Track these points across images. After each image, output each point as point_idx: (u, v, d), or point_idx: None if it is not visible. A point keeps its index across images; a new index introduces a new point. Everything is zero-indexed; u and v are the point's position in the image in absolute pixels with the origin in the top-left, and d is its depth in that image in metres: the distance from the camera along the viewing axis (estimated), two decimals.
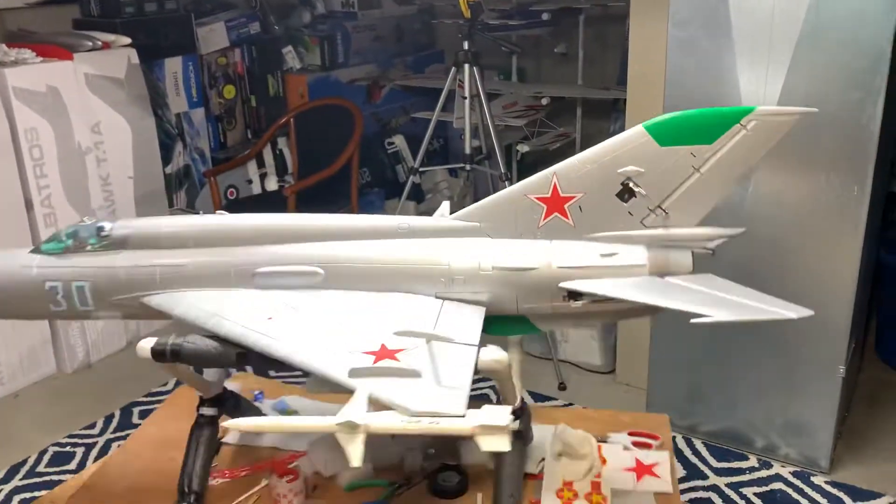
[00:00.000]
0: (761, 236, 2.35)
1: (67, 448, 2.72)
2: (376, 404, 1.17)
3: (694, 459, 2.55)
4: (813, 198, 2.25)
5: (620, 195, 1.41)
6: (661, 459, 1.73)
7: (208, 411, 1.60)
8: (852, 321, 2.31)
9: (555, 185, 1.43)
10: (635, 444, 1.78)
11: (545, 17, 3.95)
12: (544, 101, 4.07)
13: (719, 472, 2.48)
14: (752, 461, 2.53)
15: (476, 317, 1.40)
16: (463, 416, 1.14)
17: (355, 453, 1.12)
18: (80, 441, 2.76)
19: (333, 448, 1.67)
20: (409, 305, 1.43)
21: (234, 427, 1.19)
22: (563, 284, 1.41)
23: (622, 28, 2.78)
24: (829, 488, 2.39)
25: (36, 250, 1.51)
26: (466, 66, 3.08)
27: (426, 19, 4.69)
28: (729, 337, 2.49)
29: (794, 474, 2.46)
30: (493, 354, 1.31)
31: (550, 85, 4.34)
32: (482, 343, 1.33)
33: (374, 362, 1.24)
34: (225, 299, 1.44)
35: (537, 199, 1.44)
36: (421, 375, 1.21)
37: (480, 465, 1.66)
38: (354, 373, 1.22)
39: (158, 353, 1.37)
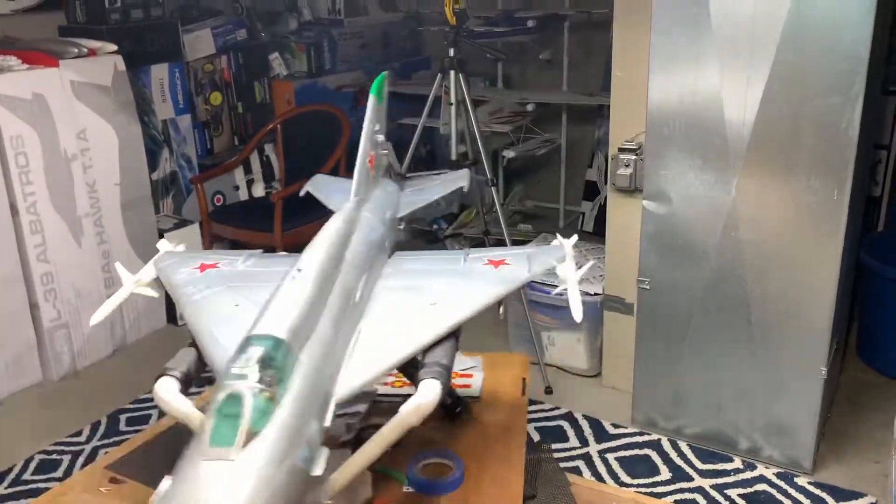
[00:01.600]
0: (742, 240, 2.38)
1: (54, 456, 2.71)
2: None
3: (679, 461, 2.57)
4: (793, 201, 2.28)
5: None
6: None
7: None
8: (833, 323, 2.35)
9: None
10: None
11: (530, 24, 3.98)
12: (530, 108, 4.11)
13: (704, 474, 2.51)
14: (737, 463, 2.55)
15: None
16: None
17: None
18: (66, 449, 2.75)
19: None
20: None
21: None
22: None
23: (606, 35, 2.81)
24: (812, 489, 2.42)
25: None
26: (452, 73, 3.10)
27: (412, 26, 4.72)
28: (712, 340, 2.52)
29: (778, 475, 2.48)
30: None
31: (536, 91, 4.38)
32: None
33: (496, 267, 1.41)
34: None
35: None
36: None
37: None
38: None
39: None
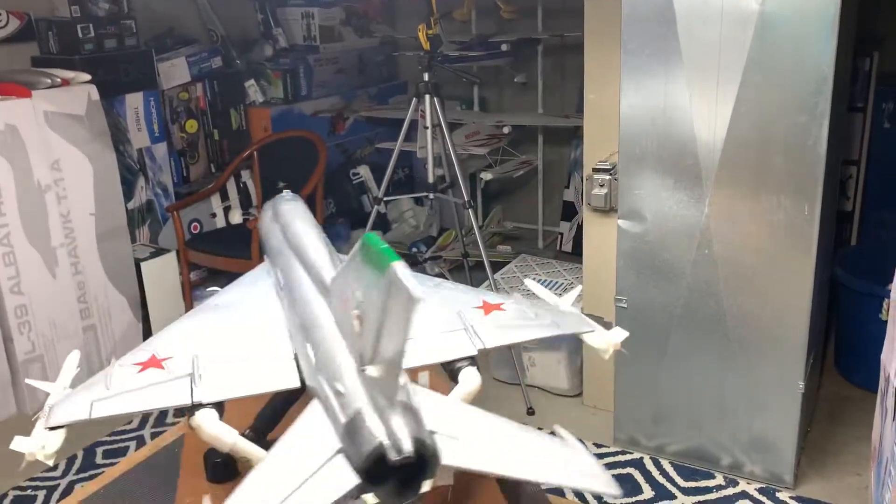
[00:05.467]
0: (716, 257, 2.41)
1: (28, 492, 2.66)
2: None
3: (661, 480, 2.57)
4: (765, 218, 2.31)
5: None
6: None
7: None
8: (809, 338, 2.37)
9: None
10: None
11: (504, 48, 4.03)
12: (506, 130, 4.14)
13: (686, 492, 2.51)
14: (719, 479, 2.56)
15: None
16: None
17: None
18: (41, 484, 2.70)
19: None
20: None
21: None
22: None
23: (579, 58, 2.85)
24: (793, 503, 2.43)
25: None
26: (427, 97, 3.13)
27: (388, 52, 4.75)
28: (691, 357, 2.53)
29: (760, 491, 2.49)
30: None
31: (512, 114, 4.41)
32: None
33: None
34: None
35: None
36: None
37: None
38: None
39: None
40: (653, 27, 2.31)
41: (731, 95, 2.26)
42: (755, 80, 2.22)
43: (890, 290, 1.84)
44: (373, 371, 0.97)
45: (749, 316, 2.42)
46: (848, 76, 2.76)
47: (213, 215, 4.02)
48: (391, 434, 0.94)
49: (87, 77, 3.29)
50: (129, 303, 3.48)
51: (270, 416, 1.47)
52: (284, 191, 1.63)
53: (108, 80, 3.47)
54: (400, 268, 0.83)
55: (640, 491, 2.52)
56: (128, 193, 3.63)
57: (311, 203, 3.66)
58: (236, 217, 4.07)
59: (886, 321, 1.81)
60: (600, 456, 2.70)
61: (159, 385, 1.19)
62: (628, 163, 2.47)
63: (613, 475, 1.12)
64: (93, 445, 2.88)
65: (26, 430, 1.27)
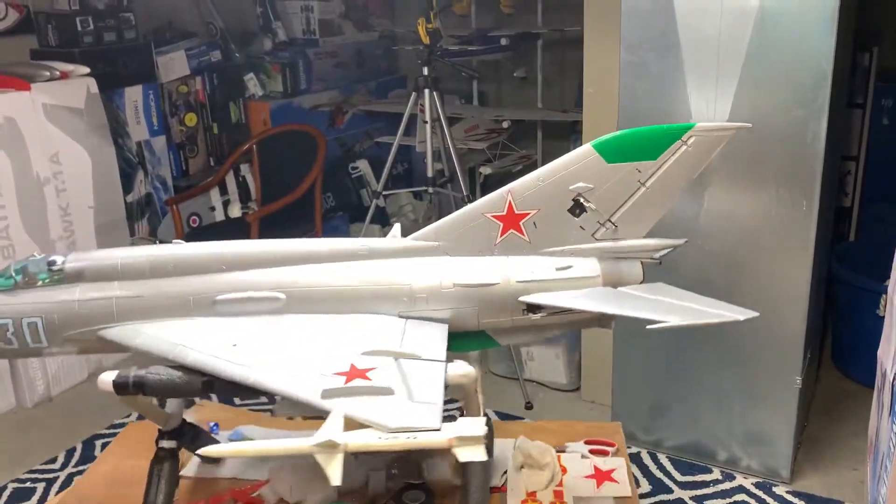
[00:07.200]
0: (715, 252, 2.41)
1: (27, 484, 2.66)
2: (351, 424, 1.18)
3: (659, 474, 2.58)
4: (764, 213, 2.32)
5: (572, 210, 1.47)
6: (618, 465, 1.78)
7: (168, 444, 1.57)
8: (806, 332, 2.38)
9: (510, 203, 1.47)
10: (592, 451, 1.83)
11: (504, 42, 4.02)
12: (505, 124, 4.14)
13: (684, 486, 2.52)
14: (716, 474, 2.57)
15: (440, 334, 1.42)
16: (439, 430, 1.16)
17: (335, 472, 1.12)
18: (40, 476, 2.70)
19: (296, 473, 1.67)
20: (373, 325, 1.44)
21: (209, 454, 1.19)
22: (522, 298, 1.45)
23: (579, 52, 2.84)
24: (790, 497, 2.44)
25: None
26: (427, 91, 3.12)
27: (387, 45, 4.74)
28: (689, 352, 2.54)
29: (757, 485, 2.50)
30: (460, 369, 1.34)
31: (511, 108, 4.41)
32: (447, 359, 1.35)
33: (346, 382, 1.24)
34: (186, 328, 1.42)
35: (493, 216, 1.47)
36: (394, 392, 1.23)
37: (444, 482, 1.68)
38: (327, 394, 1.22)
39: (121, 386, 1.34)
40: (652, 21, 2.31)
41: (730, 90, 2.26)
42: (754, 74, 2.22)
43: (887, 286, 1.85)
44: None
45: None
46: (847, 72, 2.76)
47: (213, 209, 4.02)
48: None
49: (86, 70, 3.29)
50: None
51: None
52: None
53: (107, 73, 3.47)
54: None
55: (637, 485, 2.52)
56: (127, 187, 3.63)
57: (309, 197, 3.66)
58: (235, 211, 4.07)
59: (883, 317, 1.82)
60: None
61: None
62: None
63: None
64: (92, 438, 2.89)
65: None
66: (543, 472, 1.68)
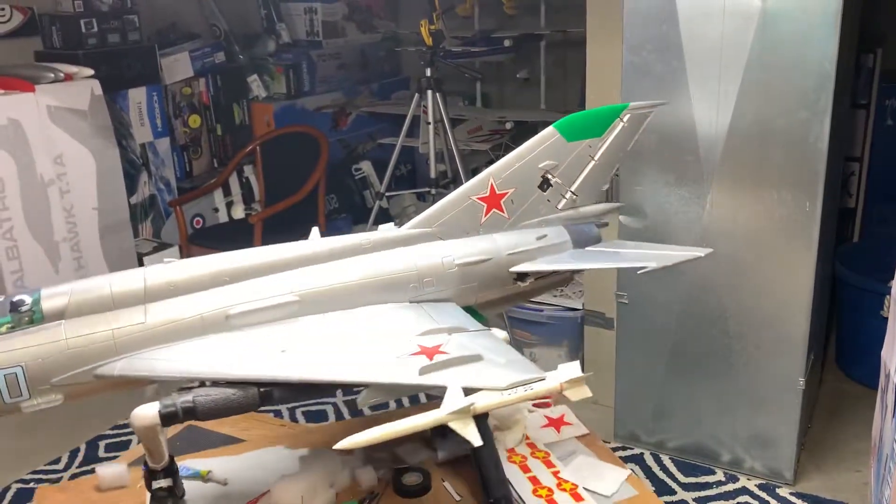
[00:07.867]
0: (718, 253, 2.40)
1: (31, 485, 2.67)
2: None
3: (662, 475, 2.58)
4: (767, 214, 2.31)
5: (541, 186, 1.71)
6: (564, 411, 2.03)
7: (165, 483, 1.45)
8: (810, 334, 2.37)
9: (492, 185, 1.65)
10: (535, 405, 2.03)
11: (507, 43, 4.02)
12: (508, 126, 4.14)
13: (687, 487, 2.51)
14: (719, 475, 2.56)
15: (458, 310, 1.53)
16: (545, 379, 1.27)
17: (473, 434, 1.20)
18: (44, 477, 2.71)
19: (299, 482, 1.66)
20: (400, 313, 1.50)
21: (350, 445, 1.17)
22: (513, 269, 1.63)
23: (582, 53, 2.85)
24: (793, 499, 2.44)
25: None
26: (430, 93, 3.13)
27: (390, 47, 4.74)
28: (692, 353, 2.54)
29: (760, 487, 2.50)
30: (500, 334, 1.46)
31: (514, 109, 4.41)
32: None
33: (430, 359, 1.30)
34: (211, 347, 1.36)
35: (478, 199, 1.65)
36: (483, 358, 1.30)
37: (427, 461, 1.78)
38: (424, 371, 1.27)
39: (169, 417, 1.26)
40: (655, 23, 2.31)
41: (733, 92, 2.26)
42: (757, 76, 2.22)
43: (891, 287, 1.84)
44: None
45: (749, 312, 2.42)
46: (850, 73, 2.75)
47: (216, 210, 4.02)
48: None
49: (91, 72, 3.30)
50: None
51: None
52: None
53: (111, 75, 3.48)
54: None
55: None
56: (131, 188, 3.63)
57: (313, 199, 3.66)
58: (239, 212, 4.07)
59: (887, 318, 1.81)
60: None
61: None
62: (629, 159, 2.47)
63: None
64: (95, 439, 2.90)
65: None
66: (516, 429, 1.89)
